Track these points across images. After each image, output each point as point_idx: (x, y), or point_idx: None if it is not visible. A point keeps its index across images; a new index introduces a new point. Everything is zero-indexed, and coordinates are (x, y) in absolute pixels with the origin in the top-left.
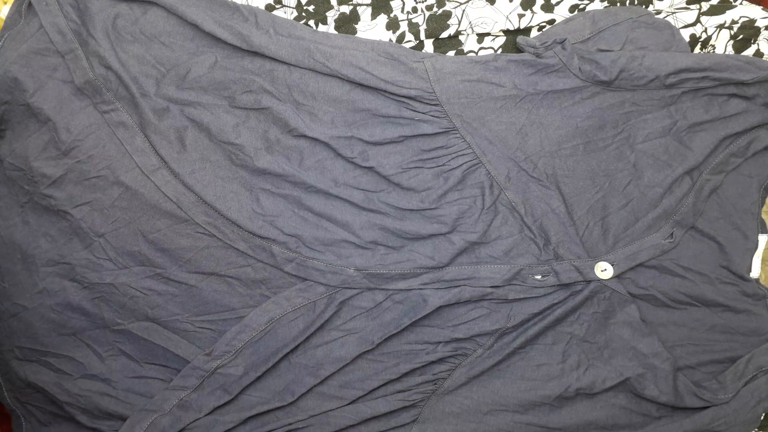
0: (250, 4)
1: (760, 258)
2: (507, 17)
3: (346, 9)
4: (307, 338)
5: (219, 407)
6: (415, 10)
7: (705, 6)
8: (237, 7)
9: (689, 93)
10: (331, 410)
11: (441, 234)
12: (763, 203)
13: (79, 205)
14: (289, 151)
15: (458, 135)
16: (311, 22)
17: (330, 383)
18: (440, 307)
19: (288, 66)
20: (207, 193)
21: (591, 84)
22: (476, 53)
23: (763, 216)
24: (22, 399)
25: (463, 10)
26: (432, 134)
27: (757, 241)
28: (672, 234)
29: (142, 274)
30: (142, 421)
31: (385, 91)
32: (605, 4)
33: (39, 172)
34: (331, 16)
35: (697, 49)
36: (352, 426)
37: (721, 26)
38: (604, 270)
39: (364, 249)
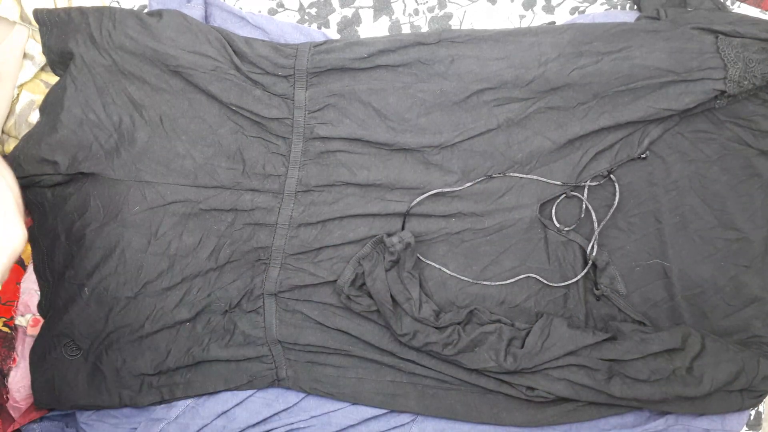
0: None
1: None
2: (508, 18)
3: (348, 12)
4: None
5: (225, 412)
6: (416, 12)
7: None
8: None
9: None
10: (332, 411)
11: None
12: None
13: None
14: None
15: None
16: (314, 25)
17: None
18: None
19: None
20: None
21: None
22: None
23: None
24: None
25: (465, 12)
26: None
27: None
28: None
29: None
30: (150, 429)
31: None
32: (606, 6)
33: None
34: (333, 19)
35: None
36: (352, 426)
37: None
38: None
39: None
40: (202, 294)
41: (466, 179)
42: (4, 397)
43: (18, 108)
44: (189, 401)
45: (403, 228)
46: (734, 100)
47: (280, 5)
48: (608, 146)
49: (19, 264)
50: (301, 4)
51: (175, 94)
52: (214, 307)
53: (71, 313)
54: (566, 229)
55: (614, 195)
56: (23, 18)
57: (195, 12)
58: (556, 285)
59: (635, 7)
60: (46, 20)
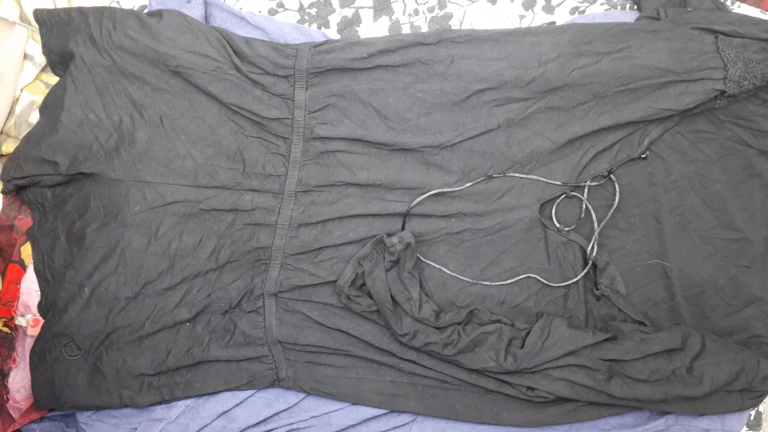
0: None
1: None
2: (508, 18)
3: (348, 12)
4: None
5: (225, 412)
6: (416, 12)
7: None
8: None
9: None
10: (332, 411)
11: None
12: None
13: None
14: None
15: None
16: (314, 25)
17: None
18: None
19: None
20: None
21: None
22: None
23: None
24: None
25: (464, 12)
26: None
27: None
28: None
29: None
30: (150, 430)
31: None
32: (606, 7)
33: None
34: (333, 19)
35: None
36: (352, 426)
37: None
38: None
39: None
40: (202, 294)
41: (466, 179)
42: (4, 397)
43: (18, 108)
44: (189, 401)
45: (403, 228)
46: (734, 100)
47: (280, 5)
48: (608, 146)
49: (19, 264)
50: (301, 4)
51: (175, 94)
52: (214, 307)
53: (71, 313)
54: (566, 229)
55: (614, 195)
56: (23, 18)
57: (195, 12)
58: (556, 285)
59: (635, 7)
60: (46, 20)
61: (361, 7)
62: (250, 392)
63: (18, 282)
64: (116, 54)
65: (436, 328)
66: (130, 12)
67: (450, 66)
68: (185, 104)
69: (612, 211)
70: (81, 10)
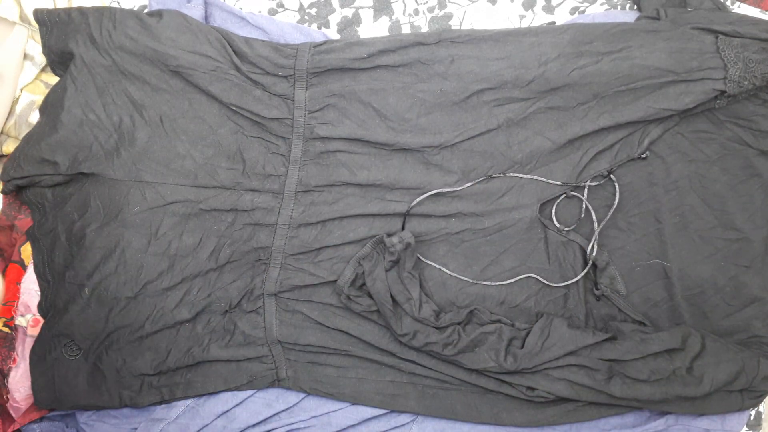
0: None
1: None
2: (508, 18)
3: (348, 12)
4: None
5: (225, 412)
6: (416, 12)
7: None
8: None
9: None
10: (332, 411)
11: None
12: None
13: None
14: None
15: None
16: (314, 25)
17: None
18: None
19: None
20: None
21: None
22: None
23: None
24: None
25: (465, 12)
26: None
27: None
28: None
29: None
30: (150, 430)
31: None
32: (606, 6)
33: None
34: (333, 19)
35: None
36: (353, 426)
37: None
38: None
39: None
40: (202, 294)
41: (466, 179)
42: (4, 397)
43: (18, 108)
44: (189, 401)
45: (403, 228)
46: (734, 100)
47: (280, 5)
48: (608, 146)
49: (19, 264)
50: (301, 4)
51: (175, 94)
52: (214, 307)
53: (71, 313)
54: (566, 229)
55: (614, 195)
56: (23, 18)
57: (195, 12)
58: (556, 285)
59: (635, 7)
60: (46, 20)
61: (361, 7)
62: (250, 392)
63: (18, 282)
64: (116, 54)
65: (436, 328)
66: (130, 12)
67: (450, 66)
68: (185, 104)
69: (612, 211)
70: (81, 10)
